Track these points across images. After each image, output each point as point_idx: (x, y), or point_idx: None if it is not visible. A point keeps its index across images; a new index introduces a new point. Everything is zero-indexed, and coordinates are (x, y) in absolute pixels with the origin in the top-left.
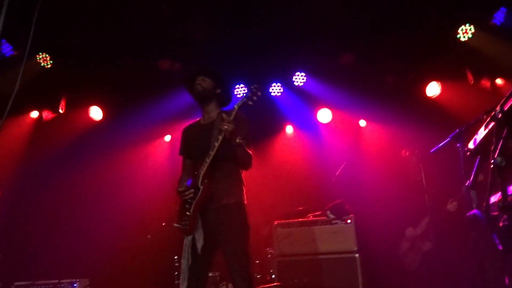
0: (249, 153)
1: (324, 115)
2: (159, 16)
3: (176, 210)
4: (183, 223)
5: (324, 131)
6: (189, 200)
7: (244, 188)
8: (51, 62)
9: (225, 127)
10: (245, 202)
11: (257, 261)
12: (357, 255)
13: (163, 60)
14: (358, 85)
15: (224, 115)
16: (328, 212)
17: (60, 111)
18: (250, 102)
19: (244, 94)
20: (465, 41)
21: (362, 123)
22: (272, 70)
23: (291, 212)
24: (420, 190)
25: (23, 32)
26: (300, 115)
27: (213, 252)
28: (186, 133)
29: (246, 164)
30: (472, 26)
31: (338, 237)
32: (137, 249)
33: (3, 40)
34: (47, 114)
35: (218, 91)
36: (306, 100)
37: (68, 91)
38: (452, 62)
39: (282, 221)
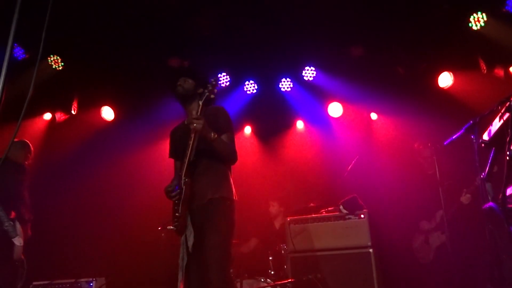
0: (228, 146)
1: (335, 109)
2: (168, 13)
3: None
4: (175, 224)
5: (335, 125)
6: (176, 201)
7: (230, 183)
8: (62, 64)
9: (194, 125)
10: (234, 198)
11: (271, 258)
12: (371, 250)
13: (173, 58)
14: (369, 78)
15: (193, 112)
16: (341, 207)
17: (73, 112)
18: (212, 96)
19: (206, 90)
20: (477, 29)
21: (374, 116)
22: (281, 66)
23: (304, 208)
24: (434, 183)
25: (34, 36)
26: (310, 110)
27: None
28: (172, 135)
29: (228, 158)
30: (484, 14)
31: (351, 232)
32: (152, 247)
33: (15, 44)
34: (60, 116)
35: (200, 90)
36: (316, 95)
37: (80, 92)
38: (464, 52)
39: (295, 217)
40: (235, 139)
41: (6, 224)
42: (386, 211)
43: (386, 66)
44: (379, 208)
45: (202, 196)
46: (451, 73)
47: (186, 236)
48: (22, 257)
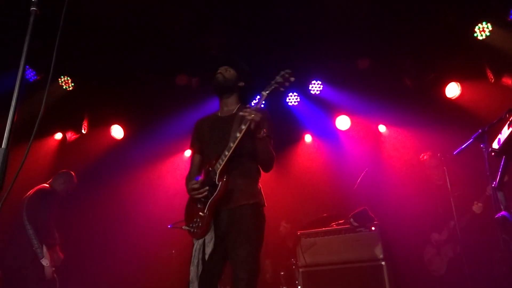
0: (272, 152)
1: (343, 122)
2: (176, 32)
3: (184, 211)
4: (194, 225)
5: (343, 138)
6: (202, 199)
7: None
8: (73, 84)
9: (252, 115)
10: (264, 205)
11: (282, 273)
12: (383, 262)
13: (181, 76)
14: (376, 90)
15: (249, 108)
16: (352, 220)
17: (83, 131)
18: (281, 89)
19: (274, 81)
20: (483, 39)
21: (382, 128)
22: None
23: (314, 221)
24: (444, 194)
25: (46, 57)
26: (318, 124)
27: (223, 260)
28: (200, 125)
29: (268, 164)
30: (489, 24)
31: (363, 245)
32: (162, 264)
33: (27, 66)
34: (71, 135)
35: (241, 84)
36: (324, 108)
37: (90, 111)
38: (471, 62)
39: (305, 231)
40: None
41: (36, 246)
42: (397, 223)
43: (393, 78)
44: (390, 220)
45: (235, 199)
46: (459, 83)
47: (205, 241)
48: (55, 276)
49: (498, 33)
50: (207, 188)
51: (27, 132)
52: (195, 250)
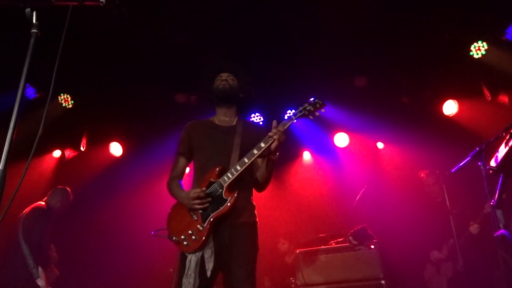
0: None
1: (341, 139)
2: (175, 50)
3: (168, 218)
4: (188, 237)
5: (342, 155)
6: (200, 211)
7: None
8: (72, 102)
9: (278, 135)
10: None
11: None
12: (383, 281)
13: (180, 94)
14: (374, 107)
15: (275, 123)
16: (351, 238)
17: (82, 149)
18: (311, 117)
19: (304, 108)
20: (479, 57)
21: (380, 145)
22: (286, 97)
23: (313, 239)
24: (443, 211)
25: (45, 75)
26: (316, 141)
27: (216, 273)
28: (194, 129)
29: (266, 185)
30: (484, 43)
31: (362, 264)
32: (160, 283)
33: (27, 84)
34: (69, 153)
35: (241, 95)
36: (322, 125)
37: (89, 129)
38: (468, 80)
39: (304, 249)
40: None
41: (31, 266)
42: (396, 241)
43: (390, 95)
44: (389, 238)
45: (237, 216)
46: (456, 101)
47: (203, 255)
48: None
49: (494, 52)
50: (209, 199)
51: (25, 149)
52: (190, 262)
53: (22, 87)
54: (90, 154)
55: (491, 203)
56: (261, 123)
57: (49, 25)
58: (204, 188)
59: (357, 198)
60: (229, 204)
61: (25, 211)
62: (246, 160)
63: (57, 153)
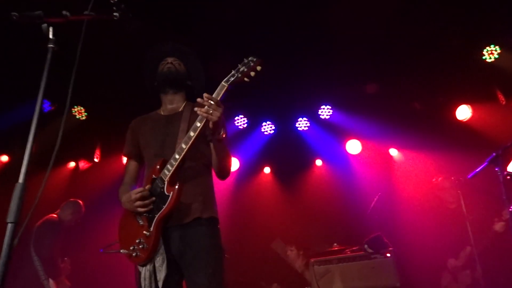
0: (230, 155)
1: (354, 146)
2: None
3: (118, 230)
4: (137, 247)
5: (354, 162)
6: (145, 214)
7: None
8: (86, 114)
9: (210, 111)
10: (219, 220)
11: None
12: None
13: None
14: (386, 114)
15: (206, 95)
16: (366, 247)
17: (95, 160)
18: (246, 79)
19: (236, 70)
20: (492, 61)
21: (393, 151)
22: (297, 105)
23: (327, 249)
24: (459, 218)
25: (59, 88)
26: (329, 148)
27: (180, 284)
28: (137, 126)
29: (227, 170)
30: (497, 47)
31: (378, 272)
32: None
33: None
34: (83, 164)
35: (189, 83)
36: (334, 133)
37: (102, 140)
38: (481, 84)
39: (318, 258)
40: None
41: (43, 278)
42: (412, 249)
43: (402, 101)
44: (405, 246)
45: (187, 213)
46: (469, 106)
47: (155, 266)
48: None
49: (507, 56)
50: (153, 199)
51: (40, 161)
52: (144, 279)
53: (40, 102)
54: (103, 165)
55: (510, 209)
56: (272, 131)
57: (62, 38)
58: (148, 186)
59: (371, 205)
60: (171, 200)
61: (37, 223)
62: (183, 145)
63: (71, 165)
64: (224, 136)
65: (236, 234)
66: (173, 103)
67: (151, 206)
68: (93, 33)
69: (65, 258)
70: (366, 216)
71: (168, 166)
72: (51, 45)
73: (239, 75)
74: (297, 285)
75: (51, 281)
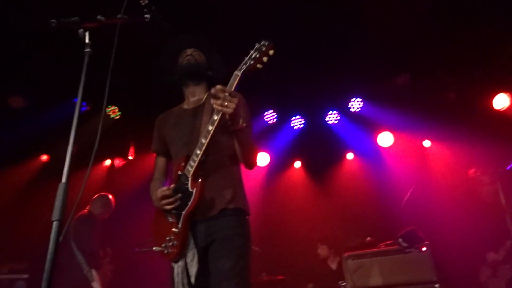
0: (256, 145)
1: (385, 139)
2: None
3: (151, 228)
4: (168, 244)
5: (386, 155)
6: (173, 211)
7: (245, 192)
8: (119, 113)
9: (225, 103)
10: (248, 212)
11: None
12: (437, 285)
13: None
14: (418, 105)
15: (218, 87)
16: (400, 241)
17: (130, 157)
18: (259, 66)
19: (249, 57)
20: None
21: (427, 143)
22: (327, 99)
23: (360, 242)
24: (498, 211)
25: (93, 89)
26: (359, 141)
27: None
28: (162, 122)
29: (252, 159)
30: None
31: (414, 267)
32: None
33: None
34: (119, 162)
35: (210, 73)
36: (365, 126)
37: (136, 138)
38: None
39: (352, 252)
40: (287, 174)
41: (86, 270)
42: (449, 242)
43: (435, 92)
44: (441, 239)
45: (211, 205)
46: (508, 94)
47: (186, 261)
48: None
49: None
50: (179, 195)
51: (79, 160)
52: (177, 275)
53: (79, 104)
54: (137, 162)
55: None
56: (302, 125)
57: (97, 41)
58: (172, 185)
59: (405, 199)
60: (194, 196)
61: (74, 219)
62: (203, 140)
63: (107, 162)
64: (244, 125)
65: (267, 230)
66: (195, 95)
67: (178, 203)
68: (125, 34)
69: (107, 248)
70: (400, 210)
71: (191, 162)
72: (88, 49)
73: (251, 62)
74: (331, 282)
75: (94, 272)
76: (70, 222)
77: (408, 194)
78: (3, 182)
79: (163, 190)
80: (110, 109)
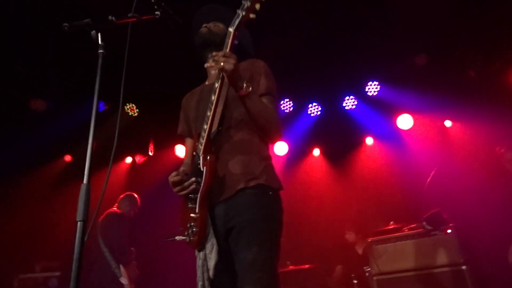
0: (269, 110)
1: (405, 121)
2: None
3: (180, 217)
4: (190, 231)
5: (406, 138)
6: (191, 196)
7: (272, 166)
8: (137, 110)
9: (221, 63)
10: (276, 187)
11: (355, 281)
12: (464, 267)
13: None
14: (438, 85)
15: (214, 52)
16: (425, 224)
17: (150, 153)
18: (251, 16)
19: (241, 8)
20: None
21: (448, 123)
22: (343, 84)
23: (384, 227)
24: None
25: (111, 88)
26: (378, 125)
27: (233, 275)
28: (186, 102)
29: (268, 129)
30: None
31: (439, 250)
32: None
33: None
34: (139, 158)
35: (235, 42)
36: (383, 109)
37: (155, 134)
38: None
39: (375, 237)
40: (305, 161)
41: (114, 266)
42: (475, 223)
43: (454, 70)
44: (467, 221)
45: (227, 185)
46: None
47: (205, 253)
48: None
49: None
50: (192, 180)
51: (100, 159)
52: (198, 268)
53: (95, 105)
54: (158, 158)
55: None
56: (319, 112)
57: (110, 41)
58: (182, 168)
59: (428, 181)
60: (205, 176)
61: (101, 218)
62: (208, 113)
63: (128, 160)
64: (250, 90)
65: (290, 219)
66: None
67: (192, 187)
68: (139, 31)
69: (132, 248)
70: (423, 193)
71: (200, 139)
72: (101, 51)
73: (244, 13)
74: (357, 267)
75: (122, 268)
76: (95, 220)
77: (431, 176)
78: (31, 183)
79: (171, 176)
80: (128, 107)
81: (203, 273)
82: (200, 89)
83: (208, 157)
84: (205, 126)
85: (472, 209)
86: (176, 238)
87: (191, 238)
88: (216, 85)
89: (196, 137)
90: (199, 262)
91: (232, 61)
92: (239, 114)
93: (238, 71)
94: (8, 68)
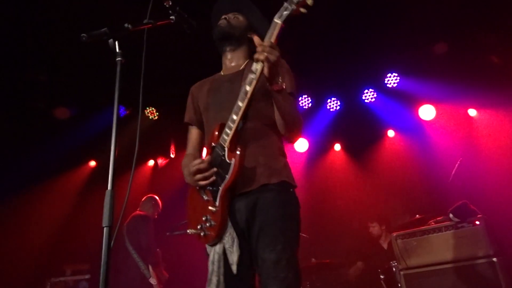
0: (298, 112)
1: (427, 112)
2: None
3: (186, 209)
4: (204, 225)
5: (429, 129)
6: (209, 188)
7: (288, 163)
8: (157, 114)
9: (265, 54)
10: (295, 184)
11: (382, 277)
12: (495, 259)
13: None
14: (459, 73)
15: (255, 38)
16: (451, 216)
17: (172, 156)
18: (302, 10)
19: (290, 1)
20: None
21: (472, 112)
22: (362, 77)
23: (409, 220)
24: None
25: (131, 93)
26: (400, 117)
27: (252, 271)
28: (197, 90)
29: (292, 128)
30: None
31: (468, 242)
32: None
33: None
34: (162, 161)
35: (252, 35)
36: (404, 101)
37: (175, 136)
38: None
39: (401, 231)
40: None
41: (142, 268)
42: (504, 214)
43: (476, 57)
44: (495, 212)
45: (252, 179)
46: None
47: (224, 246)
48: None
49: None
50: (214, 170)
51: (123, 163)
52: (212, 263)
53: (116, 112)
54: (179, 160)
55: None
56: (338, 107)
57: (128, 46)
58: (207, 157)
59: (453, 172)
60: (234, 167)
61: (127, 221)
62: (240, 103)
63: (151, 163)
64: (284, 85)
65: (313, 215)
66: (232, 61)
67: (213, 178)
68: (155, 36)
69: (157, 249)
70: (448, 184)
71: (227, 129)
72: (119, 58)
73: (294, 7)
74: (383, 261)
75: (151, 268)
76: (120, 224)
77: (456, 167)
78: (58, 188)
79: (197, 163)
80: (148, 110)
81: (219, 268)
82: (212, 79)
83: (239, 149)
84: (235, 117)
85: (500, 199)
86: (188, 231)
87: (206, 232)
88: (253, 76)
89: (217, 128)
90: (213, 257)
91: (276, 53)
92: (264, 109)
93: (279, 65)
94: (33, 79)
